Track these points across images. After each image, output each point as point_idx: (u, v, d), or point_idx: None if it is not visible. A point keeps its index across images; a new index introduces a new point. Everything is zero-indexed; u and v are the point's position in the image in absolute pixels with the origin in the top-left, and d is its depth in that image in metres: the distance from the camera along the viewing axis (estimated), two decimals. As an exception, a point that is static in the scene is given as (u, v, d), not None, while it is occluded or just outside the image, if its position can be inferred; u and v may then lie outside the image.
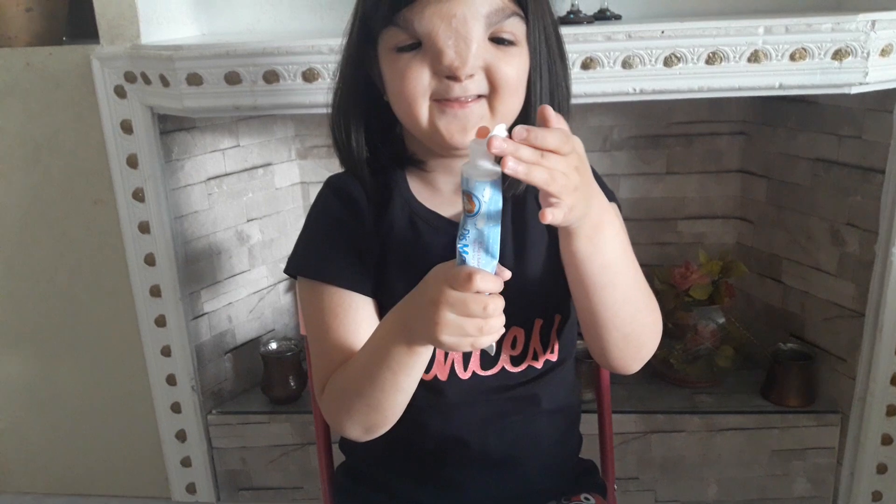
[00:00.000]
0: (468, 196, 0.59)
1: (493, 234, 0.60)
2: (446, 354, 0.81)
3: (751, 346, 1.56)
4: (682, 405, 1.50)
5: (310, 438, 1.52)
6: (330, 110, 0.82)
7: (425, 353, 0.69)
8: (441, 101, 0.71)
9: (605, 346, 0.77)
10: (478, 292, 0.60)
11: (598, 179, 0.81)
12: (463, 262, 0.61)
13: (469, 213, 0.59)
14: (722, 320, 1.51)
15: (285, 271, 0.84)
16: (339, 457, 0.99)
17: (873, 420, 1.40)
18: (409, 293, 0.68)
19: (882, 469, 1.43)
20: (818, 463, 1.48)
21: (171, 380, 1.51)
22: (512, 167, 0.55)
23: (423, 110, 0.71)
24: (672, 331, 1.51)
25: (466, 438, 0.84)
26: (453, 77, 0.69)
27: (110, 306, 1.51)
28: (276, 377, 1.56)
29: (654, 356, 1.56)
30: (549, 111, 0.60)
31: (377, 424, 0.76)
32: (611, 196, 0.81)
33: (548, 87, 0.75)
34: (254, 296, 1.64)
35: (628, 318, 0.75)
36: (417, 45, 0.70)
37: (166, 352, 1.49)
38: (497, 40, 0.70)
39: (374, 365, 0.71)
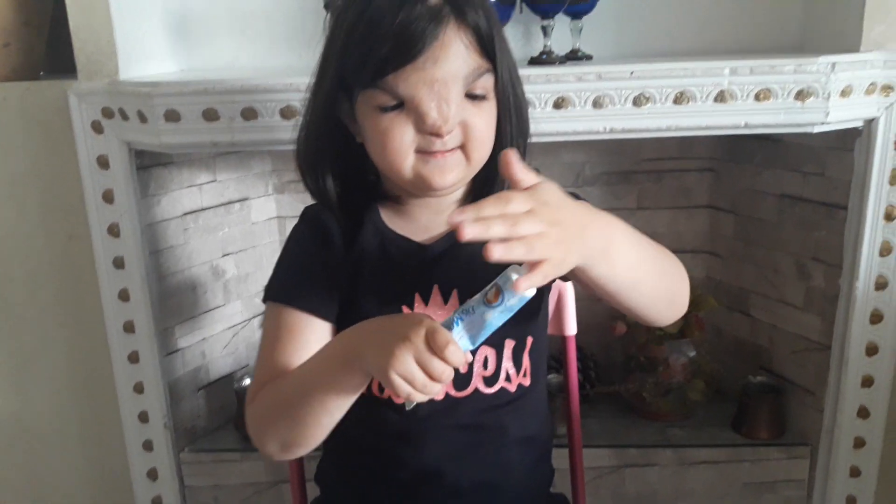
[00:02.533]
0: (497, 289, 0.62)
1: (491, 328, 0.64)
2: None
3: (721, 379, 1.58)
4: (655, 439, 1.52)
5: (283, 476, 1.50)
6: (296, 150, 0.85)
7: (362, 381, 0.71)
8: (424, 152, 0.75)
9: (643, 316, 0.79)
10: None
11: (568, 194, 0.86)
12: (449, 328, 0.64)
13: (488, 302, 0.62)
14: (693, 354, 1.53)
15: (262, 301, 0.86)
16: (312, 494, 0.98)
17: (841, 452, 1.42)
18: (371, 320, 0.71)
19: (851, 501, 1.45)
20: (788, 495, 1.49)
21: (143, 417, 1.49)
22: (496, 253, 0.57)
23: (408, 163, 0.76)
24: (644, 364, 1.53)
25: (440, 469, 0.84)
26: (436, 134, 0.74)
27: (83, 342, 1.49)
28: (250, 413, 1.55)
29: (627, 390, 1.59)
30: (511, 157, 0.62)
31: (296, 443, 0.77)
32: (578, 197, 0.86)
33: (515, 130, 0.81)
34: (228, 331, 1.63)
35: (661, 292, 0.78)
36: (399, 105, 0.74)
37: (139, 388, 1.47)
38: (470, 96, 0.75)
39: (310, 381, 0.73)
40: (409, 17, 0.70)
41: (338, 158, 0.84)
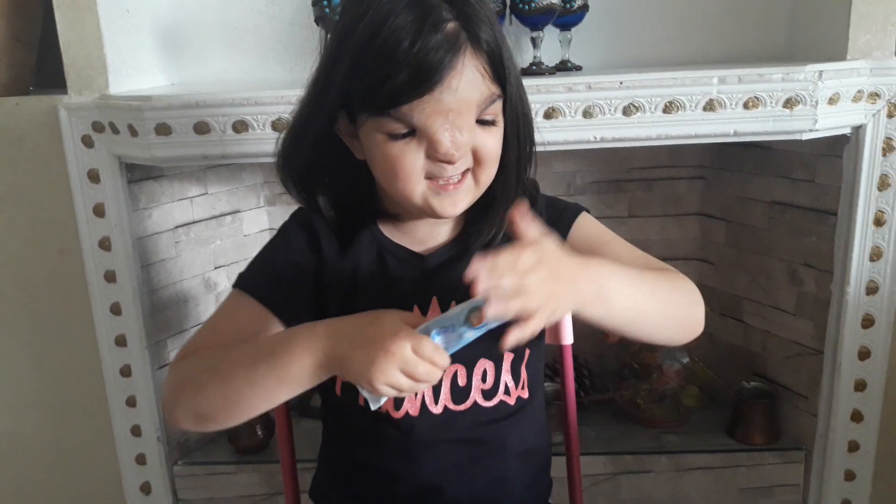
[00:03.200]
0: (480, 312, 0.63)
1: (465, 343, 0.67)
2: None
3: (715, 385, 1.58)
4: (650, 445, 1.52)
5: (277, 488, 1.50)
6: (281, 161, 0.82)
7: (322, 377, 0.69)
8: (433, 179, 0.75)
9: (653, 342, 0.81)
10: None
11: (559, 203, 0.87)
12: (427, 333, 0.66)
13: (470, 324, 0.65)
14: (686, 360, 1.54)
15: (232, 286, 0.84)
16: (308, 505, 0.98)
17: (836, 456, 1.43)
18: (343, 319, 0.70)
19: (846, 505, 1.46)
20: (784, 500, 1.49)
21: (136, 431, 1.48)
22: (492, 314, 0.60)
23: (418, 190, 0.75)
24: (638, 371, 1.54)
25: (439, 485, 0.84)
26: (448, 161, 0.73)
27: (74, 356, 1.48)
28: (242, 426, 1.54)
29: (622, 397, 1.58)
30: (518, 214, 0.64)
31: (215, 418, 0.74)
32: (576, 209, 0.87)
33: (522, 149, 0.81)
34: (221, 343, 1.62)
35: (665, 321, 0.78)
36: (411, 133, 0.72)
37: (131, 402, 1.46)
38: (480, 121, 0.74)
39: (264, 365, 0.70)
40: (427, 46, 0.68)
41: (332, 172, 0.82)
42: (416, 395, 0.82)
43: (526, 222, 0.64)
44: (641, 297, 0.74)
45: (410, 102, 0.70)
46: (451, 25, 0.70)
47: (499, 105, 0.75)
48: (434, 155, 0.72)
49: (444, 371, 0.66)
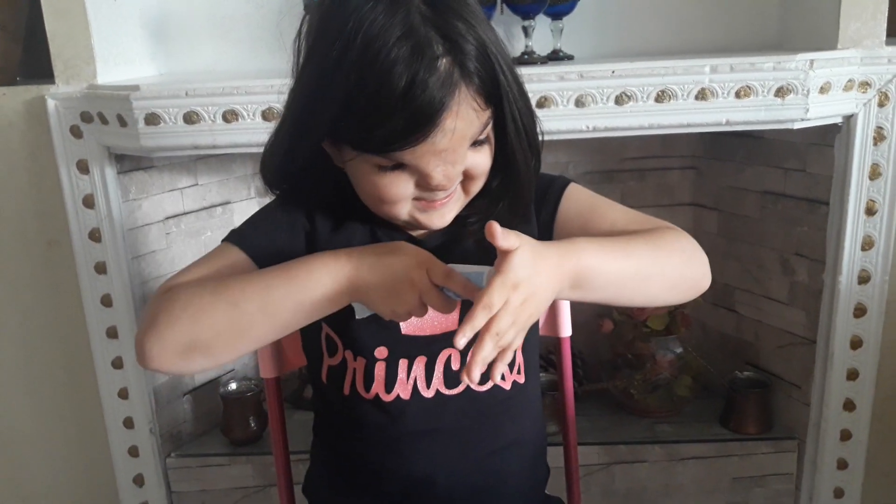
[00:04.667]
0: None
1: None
2: (409, 372, 0.81)
3: (708, 374, 1.58)
4: (644, 435, 1.52)
5: (271, 480, 1.50)
6: (266, 166, 0.80)
7: (341, 303, 0.70)
8: (421, 200, 0.73)
9: (654, 305, 0.85)
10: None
11: (545, 177, 0.86)
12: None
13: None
14: (679, 350, 1.54)
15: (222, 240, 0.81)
16: (301, 500, 0.98)
17: (828, 445, 1.43)
18: (373, 249, 0.72)
19: (839, 493, 1.46)
20: (777, 489, 1.50)
21: (128, 423, 1.48)
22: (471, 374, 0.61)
23: (405, 211, 0.74)
24: (631, 361, 1.54)
25: (431, 477, 0.83)
26: (440, 189, 0.72)
27: (65, 349, 1.48)
28: (235, 418, 1.54)
29: (615, 387, 1.59)
30: (495, 229, 0.62)
31: (211, 349, 0.69)
32: (563, 183, 0.86)
33: (524, 154, 0.77)
34: (213, 335, 1.62)
35: (660, 283, 0.77)
36: (401, 165, 0.70)
37: (123, 394, 1.46)
38: (473, 143, 0.72)
39: (280, 284, 0.69)
40: (424, 91, 0.64)
41: (316, 180, 0.79)
42: (407, 377, 0.82)
43: (502, 236, 0.62)
44: (628, 268, 0.73)
45: (403, 149, 0.67)
46: (444, 62, 0.65)
47: (490, 124, 0.72)
48: (426, 186, 0.71)
49: (458, 305, 0.68)
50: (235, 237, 0.79)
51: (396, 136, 0.66)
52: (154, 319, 0.69)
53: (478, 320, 0.61)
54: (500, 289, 0.62)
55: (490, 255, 0.68)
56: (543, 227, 0.84)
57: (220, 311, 0.68)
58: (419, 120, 0.65)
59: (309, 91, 0.71)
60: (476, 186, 0.76)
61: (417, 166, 0.69)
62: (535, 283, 0.64)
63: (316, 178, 0.78)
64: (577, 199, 0.85)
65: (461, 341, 0.61)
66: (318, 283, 0.69)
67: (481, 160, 0.73)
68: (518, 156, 0.75)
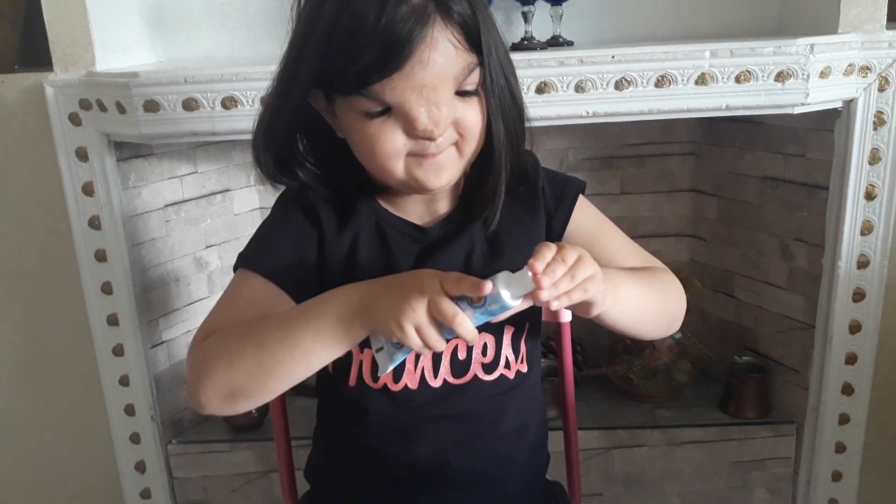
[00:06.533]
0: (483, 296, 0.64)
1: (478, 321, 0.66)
2: (416, 362, 0.81)
3: (707, 360, 1.59)
4: (643, 420, 1.53)
5: (272, 466, 1.50)
6: (260, 141, 0.79)
7: (358, 338, 0.69)
8: (416, 155, 0.73)
9: (646, 339, 0.89)
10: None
11: (559, 177, 0.87)
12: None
13: (473, 303, 0.65)
14: (679, 335, 1.54)
15: (233, 269, 0.82)
16: (302, 485, 0.98)
17: (826, 429, 1.44)
18: (392, 276, 0.70)
19: (837, 477, 1.47)
20: (776, 473, 1.51)
21: (129, 410, 1.48)
22: (556, 305, 0.64)
23: (400, 167, 0.73)
24: (631, 347, 1.54)
25: (438, 463, 0.83)
26: (428, 138, 0.71)
27: (66, 336, 1.48)
28: (237, 404, 1.54)
29: (615, 372, 1.59)
30: (537, 266, 0.64)
31: (249, 391, 0.71)
32: (575, 189, 0.87)
33: (510, 120, 0.77)
34: (214, 323, 1.62)
35: (662, 317, 0.85)
36: (387, 110, 0.70)
37: (124, 381, 1.46)
38: (460, 92, 0.72)
39: (296, 329, 0.69)
40: (394, 20, 0.65)
41: (315, 152, 0.80)
42: (415, 367, 0.82)
43: (543, 260, 0.65)
44: (642, 301, 0.79)
45: (381, 81, 0.67)
46: None
47: (478, 74, 0.72)
48: (413, 133, 0.70)
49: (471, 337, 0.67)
50: (249, 263, 0.79)
51: (370, 70, 0.67)
52: (196, 373, 0.72)
53: (556, 269, 0.64)
54: (571, 248, 0.66)
55: (495, 248, 0.69)
56: (555, 230, 0.85)
57: (250, 353, 0.70)
58: (390, 50, 0.66)
59: (294, 39, 0.74)
60: (468, 146, 0.74)
61: (400, 106, 0.69)
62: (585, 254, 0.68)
63: (311, 143, 0.79)
64: (586, 218, 0.88)
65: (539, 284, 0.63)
66: (330, 307, 0.69)
67: (471, 113, 0.73)
68: (495, 123, 0.75)
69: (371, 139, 0.71)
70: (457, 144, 0.74)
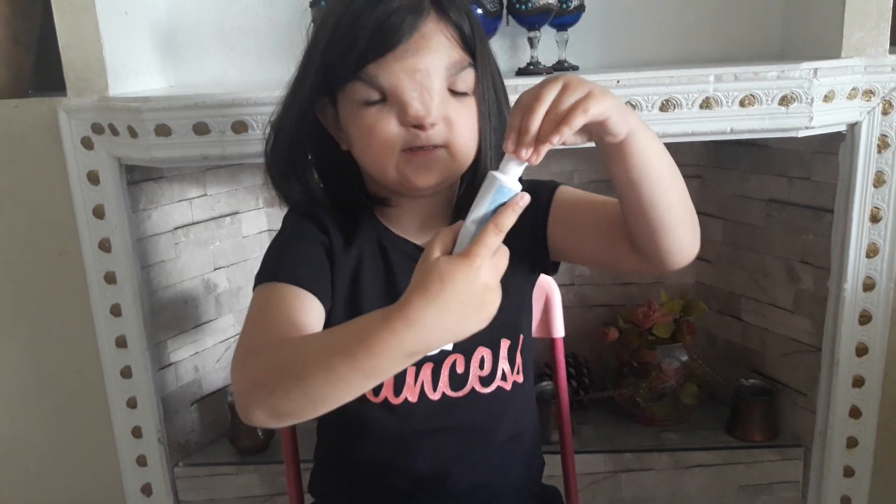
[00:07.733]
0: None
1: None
2: (416, 377, 0.83)
3: (714, 382, 1.59)
4: (650, 443, 1.52)
5: (279, 489, 1.50)
6: (269, 158, 0.84)
7: (412, 361, 0.62)
8: (408, 150, 0.75)
9: (669, 235, 0.76)
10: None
11: (535, 182, 0.85)
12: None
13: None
14: (685, 358, 1.54)
15: (253, 289, 0.80)
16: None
17: (835, 453, 1.43)
18: (419, 296, 0.58)
19: (846, 501, 1.46)
20: (784, 497, 1.50)
21: (136, 432, 1.49)
22: (557, 140, 0.61)
23: (392, 161, 0.76)
24: (637, 369, 1.54)
25: (439, 473, 0.85)
26: (419, 126, 0.73)
27: (75, 358, 1.49)
28: (243, 427, 1.54)
29: (621, 395, 1.59)
30: (509, 142, 0.63)
31: (293, 413, 0.66)
32: (552, 185, 0.86)
33: (496, 132, 0.80)
34: (220, 345, 1.63)
35: (681, 200, 0.76)
36: (383, 100, 0.74)
37: (132, 403, 1.47)
38: (452, 91, 0.76)
39: (340, 360, 0.61)
40: (389, 9, 0.72)
41: (319, 165, 0.83)
42: (415, 380, 0.83)
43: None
44: (666, 159, 0.72)
45: (376, 61, 0.72)
46: None
47: (470, 76, 0.76)
48: (405, 119, 0.73)
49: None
50: (271, 276, 0.78)
51: (368, 50, 0.72)
52: (241, 395, 0.69)
53: (530, 122, 0.61)
54: (550, 82, 0.62)
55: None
56: (539, 228, 0.84)
57: (290, 387, 0.65)
58: (385, 32, 0.72)
59: (304, 51, 0.80)
60: (461, 149, 0.76)
61: (394, 90, 0.73)
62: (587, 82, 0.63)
63: (316, 156, 0.83)
64: (568, 194, 0.86)
65: (509, 147, 0.61)
66: (381, 359, 0.60)
67: (463, 115, 0.76)
68: (485, 131, 0.78)
69: (368, 129, 0.75)
70: (448, 147, 0.76)
